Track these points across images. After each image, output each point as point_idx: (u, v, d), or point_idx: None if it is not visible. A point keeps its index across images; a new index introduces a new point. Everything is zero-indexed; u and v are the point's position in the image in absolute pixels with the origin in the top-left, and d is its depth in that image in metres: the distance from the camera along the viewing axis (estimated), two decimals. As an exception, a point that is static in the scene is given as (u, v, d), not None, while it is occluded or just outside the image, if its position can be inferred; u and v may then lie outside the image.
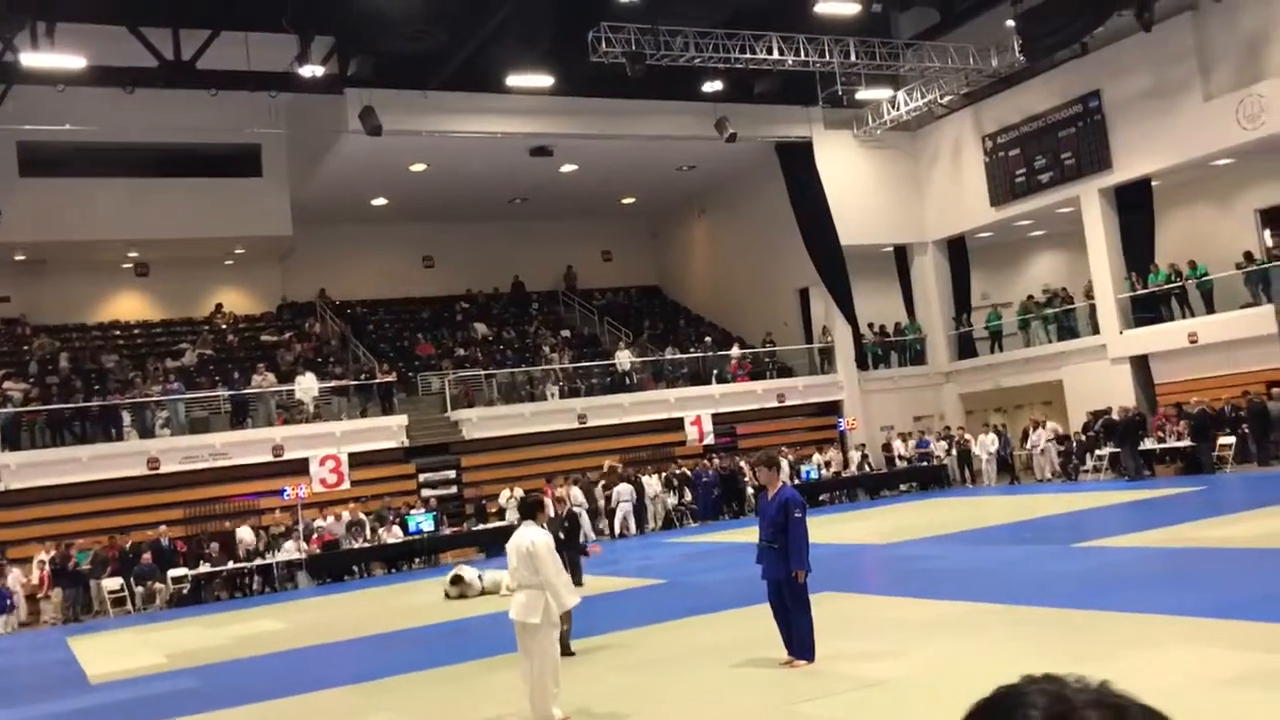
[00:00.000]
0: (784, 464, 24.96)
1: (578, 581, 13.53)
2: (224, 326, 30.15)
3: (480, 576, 17.18)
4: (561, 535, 13.29)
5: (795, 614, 9.07)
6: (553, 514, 20.16)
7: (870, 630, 10.80)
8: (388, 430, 25.84)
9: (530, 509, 8.88)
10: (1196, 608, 9.71)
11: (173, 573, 21.89)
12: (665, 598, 14.94)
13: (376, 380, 26.84)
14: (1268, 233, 26.28)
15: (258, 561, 22.38)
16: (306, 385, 25.93)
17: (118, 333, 29.55)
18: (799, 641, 9.14)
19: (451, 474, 26.55)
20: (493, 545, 23.28)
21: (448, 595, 17.05)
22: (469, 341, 30.82)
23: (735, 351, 30.69)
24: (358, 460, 24.23)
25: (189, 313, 30.56)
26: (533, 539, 8.34)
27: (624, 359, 29.49)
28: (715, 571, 17.15)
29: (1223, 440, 23.28)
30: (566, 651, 10.17)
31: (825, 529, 21.67)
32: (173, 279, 30.02)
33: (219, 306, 30.64)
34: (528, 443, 26.93)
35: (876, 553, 17.47)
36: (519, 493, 25.11)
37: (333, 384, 26.89)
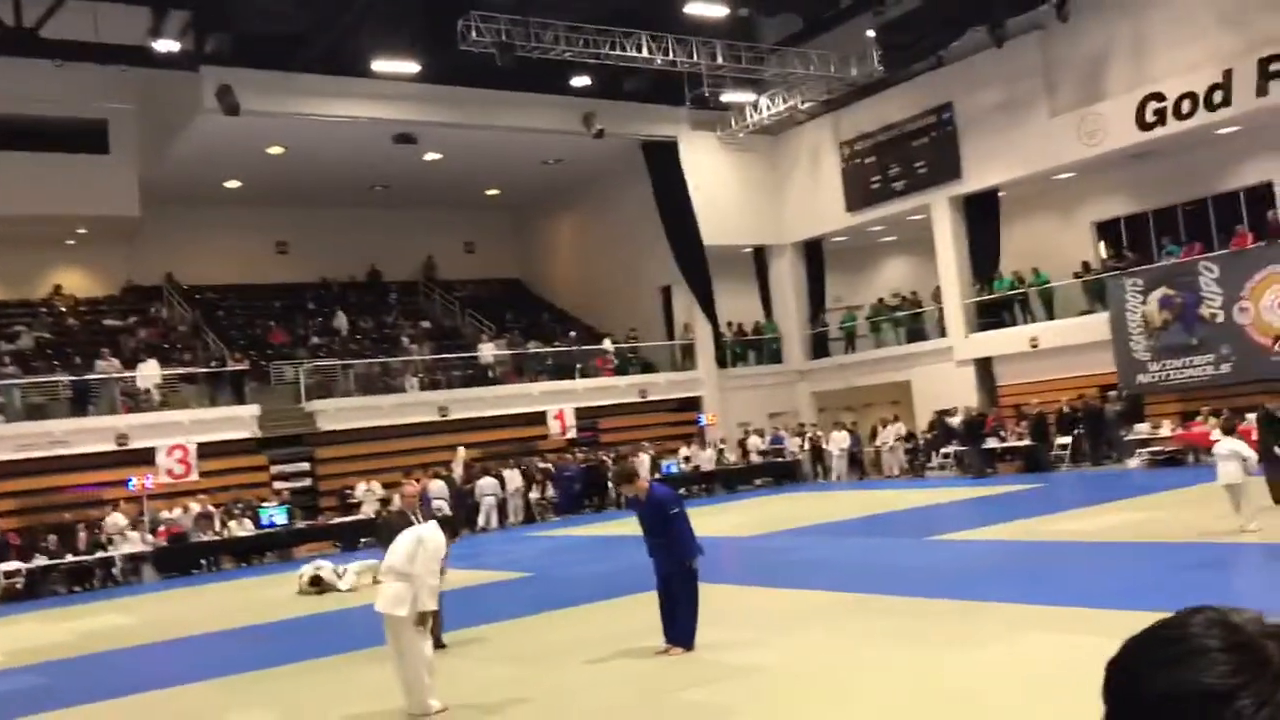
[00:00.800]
0: (645, 459, 25.21)
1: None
2: (63, 309, 28.70)
3: (339, 573, 16.77)
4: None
5: (683, 603, 9.23)
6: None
7: (741, 619, 11.03)
8: (239, 420, 25.04)
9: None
10: (1047, 597, 10.23)
11: (3, 566, 20.75)
12: (532, 591, 14.92)
13: (227, 369, 25.97)
14: (1102, 244, 27.80)
15: (99, 554, 21.39)
16: (148, 372, 24.90)
17: (-56, 313, 27.81)
18: (681, 630, 9.29)
19: (306, 466, 25.91)
20: (349, 539, 22.86)
21: (303, 592, 16.63)
22: (324, 330, 30.08)
23: (607, 345, 30.76)
24: (207, 451, 23.42)
25: (24, 294, 28.95)
26: (430, 534, 8.39)
27: (487, 352, 29.27)
28: (580, 565, 17.22)
29: (1060, 440, 24.53)
30: (438, 644, 10.09)
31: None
32: (7, 258, 28.30)
33: (58, 288, 29.15)
34: (386, 435, 26.46)
35: (740, 545, 17.82)
36: (376, 486, 24.72)
37: (181, 371, 25.90)
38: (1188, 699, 0.81)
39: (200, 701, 9.83)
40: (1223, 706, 0.79)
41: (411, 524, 10.75)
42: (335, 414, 26.20)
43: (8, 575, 20.72)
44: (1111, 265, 25.83)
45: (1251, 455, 13.03)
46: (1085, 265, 26.50)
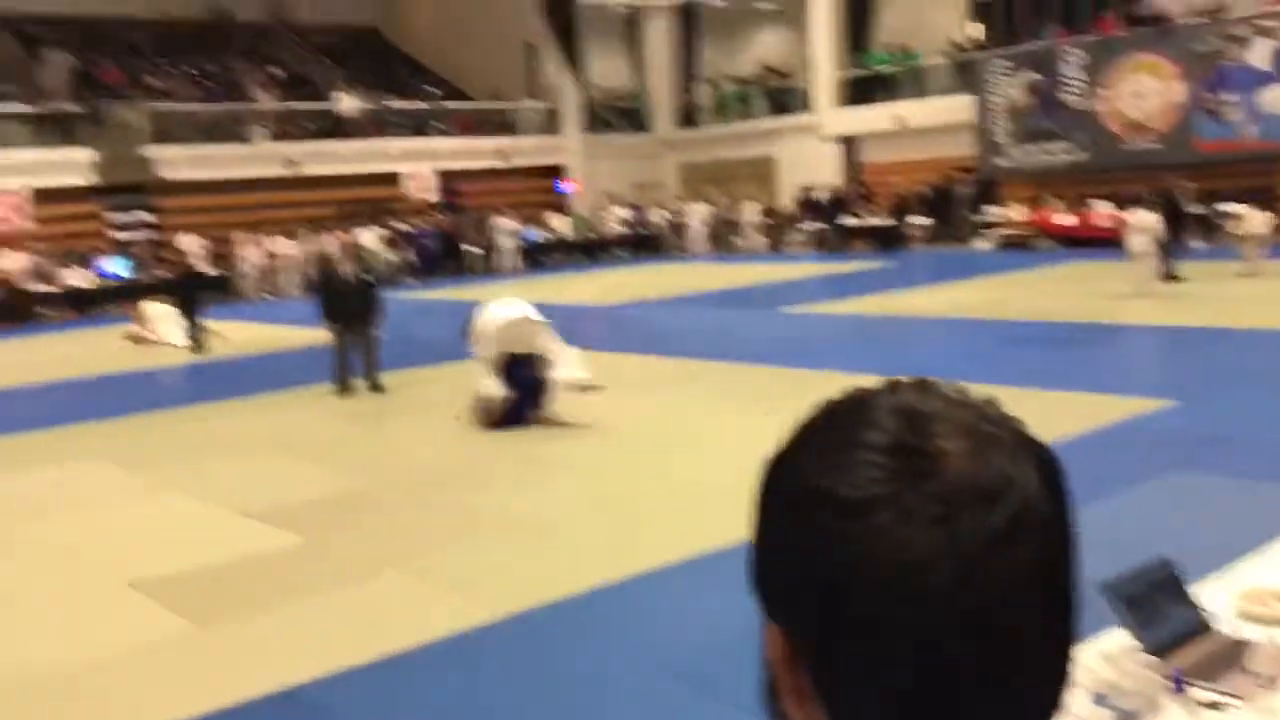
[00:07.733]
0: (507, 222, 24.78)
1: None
2: None
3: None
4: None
5: None
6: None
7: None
8: (72, 165, 23.43)
9: None
10: (881, 366, 10.40)
11: None
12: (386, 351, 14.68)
13: (57, 108, 24.10)
14: (978, 24, 27.45)
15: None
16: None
17: None
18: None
19: (147, 216, 24.62)
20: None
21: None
22: (160, 71, 28.01)
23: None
24: (38, 198, 21.99)
25: None
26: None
27: (347, 103, 27.77)
28: (435, 328, 17.00)
29: (917, 220, 24.94)
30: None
31: (550, 290, 21.88)
32: None
33: None
34: (234, 189, 25.22)
35: (599, 313, 17.83)
36: (206, 242, 23.75)
37: (4, 110, 23.93)
38: (817, 503, 0.62)
39: (28, 451, 9.45)
40: (853, 519, 0.60)
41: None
42: (177, 162, 24.76)
43: None
44: (982, 45, 25.66)
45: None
46: (957, 46, 26.27)
